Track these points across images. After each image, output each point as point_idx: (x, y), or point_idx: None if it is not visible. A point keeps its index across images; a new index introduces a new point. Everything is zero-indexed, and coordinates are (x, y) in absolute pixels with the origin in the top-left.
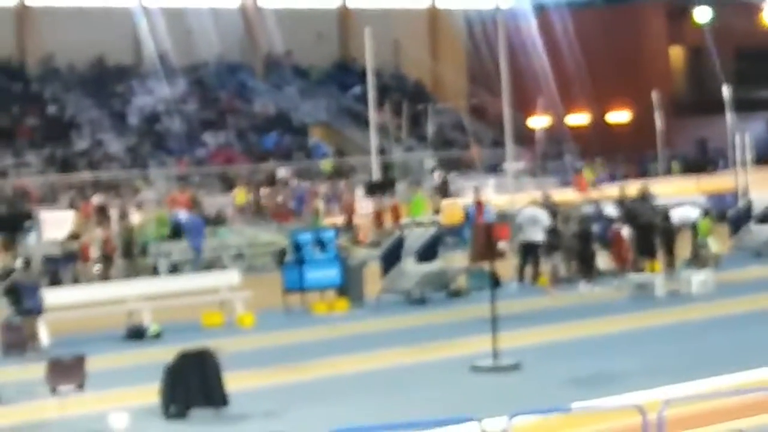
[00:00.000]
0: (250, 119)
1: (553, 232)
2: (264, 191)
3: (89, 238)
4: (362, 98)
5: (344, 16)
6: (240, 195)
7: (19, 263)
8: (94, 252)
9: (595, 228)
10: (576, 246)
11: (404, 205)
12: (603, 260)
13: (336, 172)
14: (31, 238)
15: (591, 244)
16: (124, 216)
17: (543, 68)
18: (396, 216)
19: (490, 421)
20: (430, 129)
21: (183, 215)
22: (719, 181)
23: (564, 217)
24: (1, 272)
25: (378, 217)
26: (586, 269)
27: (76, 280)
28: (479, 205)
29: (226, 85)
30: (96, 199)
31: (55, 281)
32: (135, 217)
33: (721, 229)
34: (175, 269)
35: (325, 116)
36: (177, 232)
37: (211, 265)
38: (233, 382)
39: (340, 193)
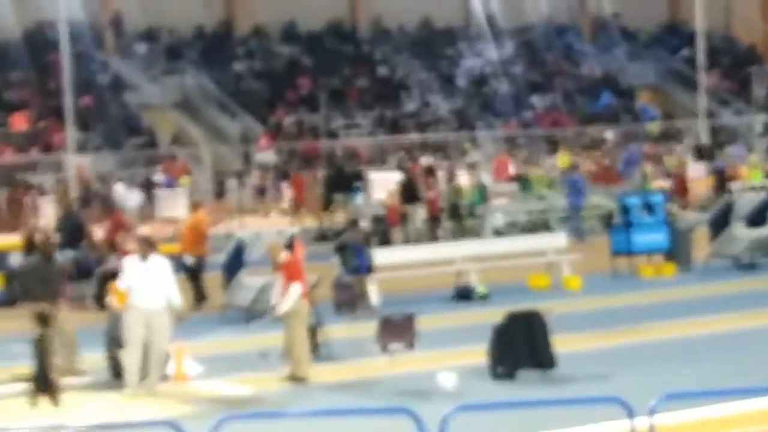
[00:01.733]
0: (576, 81)
1: None
2: (590, 154)
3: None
4: (691, 61)
5: None
6: (563, 158)
7: (347, 223)
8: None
9: None
10: None
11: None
12: None
13: (663, 135)
14: (359, 198)
15: None
16: (451, 178)
17: None
18: (728, 179)
19: None
20: (758, 92)
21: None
22: None
23: None
24: (331, 232)
25: (710, 181)
26: None
27: (406, 241)
28: None
29: (554, 48)
30: (424, 161)
31: (385, 241)
32: (463, 179)
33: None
34: (500, 232)
35: (653, 79)
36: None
37: (536, 227)
38: (560, 344)
39: (667, 156)
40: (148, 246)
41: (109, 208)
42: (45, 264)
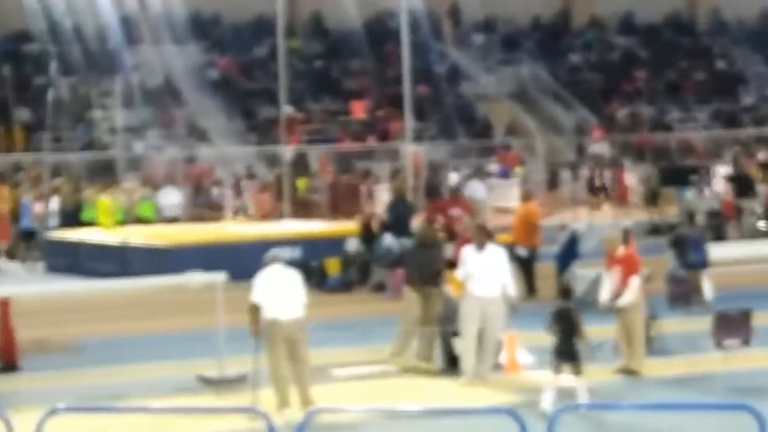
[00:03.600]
0: None
1: None
2: None
3: None
4: None
5: None
6: None
7: (683, 217)
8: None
9: None
10: None
11: None
12: None
13: None
14: (689, 193)
15: None
16: None
17: None
18: None
19: None
20: None
21: None
22: None
23: None
24: (665, 225)
25: None
26: None
27: (742, 236)
28: None
29: None
30: (761, 156)
31: (719, 236)
32: None
33: None
34: None
35: None
36: None
37: None
38: None
39: None
40: (484, 235)
41: (441, 196)
42: (426, 250)
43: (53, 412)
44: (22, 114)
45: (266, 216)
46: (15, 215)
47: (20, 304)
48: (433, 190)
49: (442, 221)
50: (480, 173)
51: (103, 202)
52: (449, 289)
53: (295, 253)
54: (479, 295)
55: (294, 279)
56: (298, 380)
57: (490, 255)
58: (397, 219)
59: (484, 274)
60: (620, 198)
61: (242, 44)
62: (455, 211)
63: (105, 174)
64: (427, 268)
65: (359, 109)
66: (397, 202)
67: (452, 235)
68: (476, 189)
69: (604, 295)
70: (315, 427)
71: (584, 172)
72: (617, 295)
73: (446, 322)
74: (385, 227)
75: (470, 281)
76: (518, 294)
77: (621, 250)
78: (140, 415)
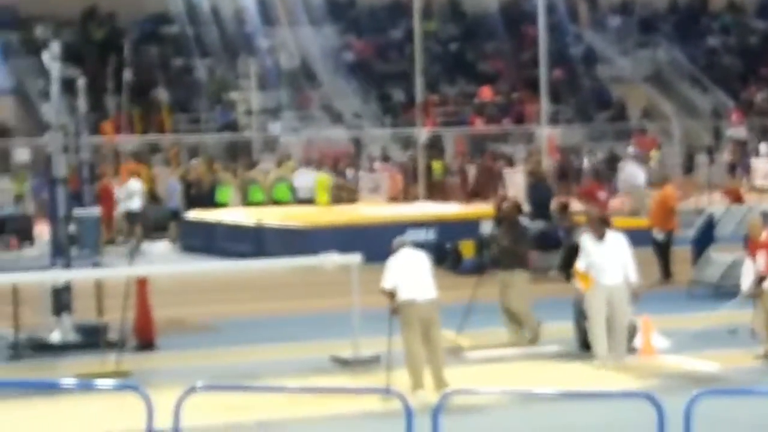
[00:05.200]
0: None
1: None
2: None
3: None
4: None
5: None
6: None
7: None
8: None
9: None
10: None
11: None
12: None
13: None
14: None
15: None
16: None
17: None
18: None
19: None
20: None
21: None
22: None
23: None
24: None
25: None
26: None
27: None
28: None
29: None
30: None
31: None
32: None
33: None
34: None
35: None
36: None
37: None
38: None
39: None
40: (602, 225)
41: (574, 180)
42: (510, 232)
43: (191, 390)
44: (163, 95)
45: (398, 198)
46: (152, 194)
47: (158, 283)
48: (565, 173)
49: (590, 205)
50: (639, 157)
51: (322, 179)
52: (578, 284)
53: (429, 235)
54: (603, 284)
55: (424, 261)
56: (432, 362)
57: (611, 244)
58: (537, 202)
59: (606, 263)
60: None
61: (378, 27)
62: (603, 195)
63: (241, 155)
64: (506, 249)
65: (488, 94)
66: (537, 185)
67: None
68: (635, 173)
69: (746, 282)
70: (450, 409)
71: (722, 155)
72: (761, 279)
73: (578, 307)
74: (521, 210)
75: (593, 270)
76: (639, 281)
77: (764, 235)
78: (275, 394)
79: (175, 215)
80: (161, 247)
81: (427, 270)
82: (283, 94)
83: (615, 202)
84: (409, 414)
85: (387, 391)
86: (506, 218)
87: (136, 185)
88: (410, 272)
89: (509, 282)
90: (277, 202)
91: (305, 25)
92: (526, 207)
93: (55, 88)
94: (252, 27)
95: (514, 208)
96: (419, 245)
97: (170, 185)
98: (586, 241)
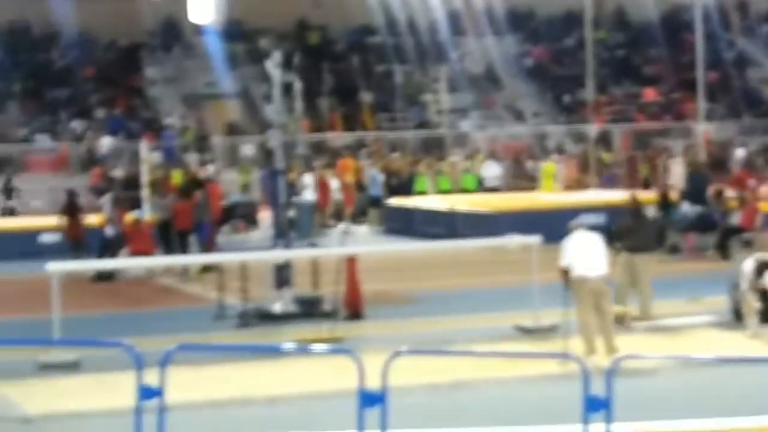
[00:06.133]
0: None
1: None
2: None
3: None
4: None
5: None
6: None
7: None
8: None
9: None
10: None
11: None
12: None
13: None
14: None
15: None
16: None
17: None
18: None
19: None
20: None
21: None
22: None
23: None
24: None
25: None
26: None
27: None
28: None
29: None
30: None
31: None
32: None
33: None
34: None
35: None
36: None
37: None
38: None
39: None
40: None
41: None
42: (636, 218)
43: (396, 354)
44: (366, 97)
45: (572, 186)
46: (359, 185)
47: (365, 261)
48: (718, 164)
49: (740, 192)
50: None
51: (548, 166)
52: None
53: (600, 219)
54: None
55: (597, 241)
56: (603, 330)
57: None
58: (695, 189)
59: None
60: None
61: (554, 35)
62: (752, 182)
63: (435, 149)
64: (633, 234)
65: (651, 94)
66: (694, 174)
67: (744, 203)
68: None
69: None
70: (620, 372)
71: None
72: None
73: (733, 281)
74: (683, 196)
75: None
76: None
77: None
78: (467, 358)
79: (378, 202)
80: (362, 230)
81: (599, 249)
82: (470, 95)
83: (764, 189)
84: (586, 375)
85: (565, 356)
86: (630, 207)
87: (308, 179)
88: (583, 251)
89: (634, 264)
90: (465, 191)
91: (489, 34)
92: (684, 195)
93: (276, 92)
94: (443, 37)
95: (633, 199)
96: (592, 228)
97: (373, 176)
98: None
